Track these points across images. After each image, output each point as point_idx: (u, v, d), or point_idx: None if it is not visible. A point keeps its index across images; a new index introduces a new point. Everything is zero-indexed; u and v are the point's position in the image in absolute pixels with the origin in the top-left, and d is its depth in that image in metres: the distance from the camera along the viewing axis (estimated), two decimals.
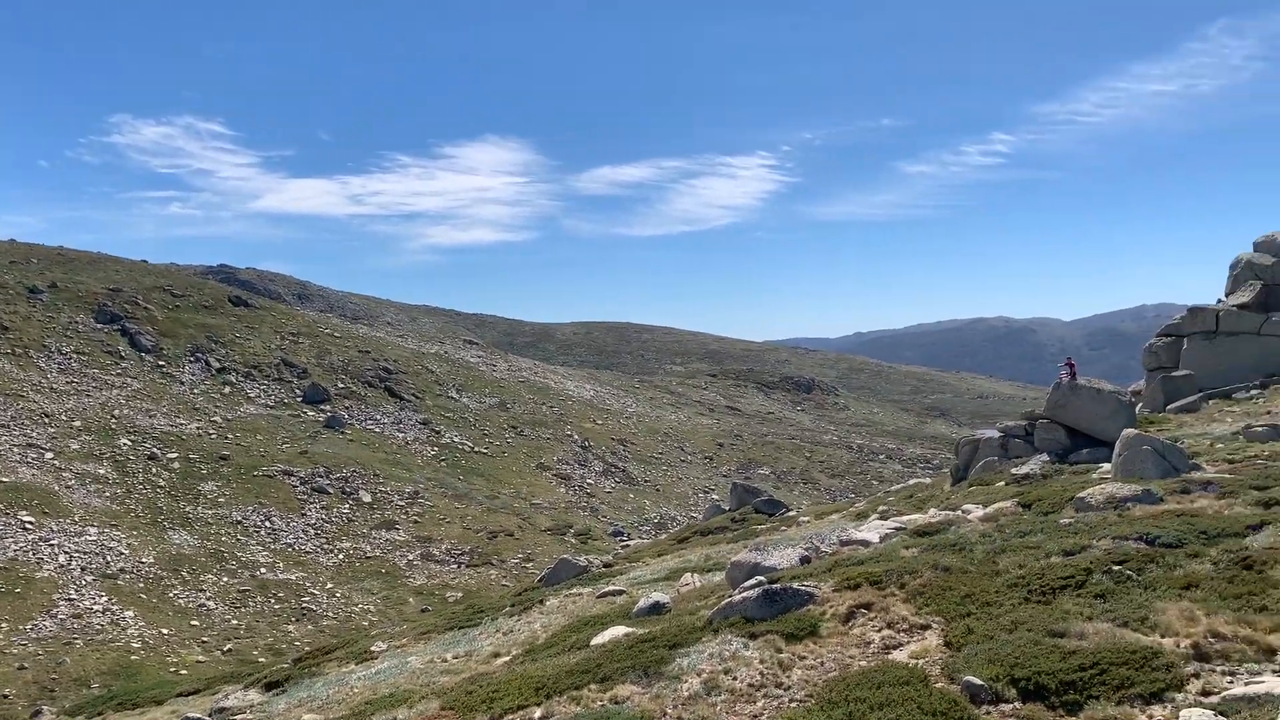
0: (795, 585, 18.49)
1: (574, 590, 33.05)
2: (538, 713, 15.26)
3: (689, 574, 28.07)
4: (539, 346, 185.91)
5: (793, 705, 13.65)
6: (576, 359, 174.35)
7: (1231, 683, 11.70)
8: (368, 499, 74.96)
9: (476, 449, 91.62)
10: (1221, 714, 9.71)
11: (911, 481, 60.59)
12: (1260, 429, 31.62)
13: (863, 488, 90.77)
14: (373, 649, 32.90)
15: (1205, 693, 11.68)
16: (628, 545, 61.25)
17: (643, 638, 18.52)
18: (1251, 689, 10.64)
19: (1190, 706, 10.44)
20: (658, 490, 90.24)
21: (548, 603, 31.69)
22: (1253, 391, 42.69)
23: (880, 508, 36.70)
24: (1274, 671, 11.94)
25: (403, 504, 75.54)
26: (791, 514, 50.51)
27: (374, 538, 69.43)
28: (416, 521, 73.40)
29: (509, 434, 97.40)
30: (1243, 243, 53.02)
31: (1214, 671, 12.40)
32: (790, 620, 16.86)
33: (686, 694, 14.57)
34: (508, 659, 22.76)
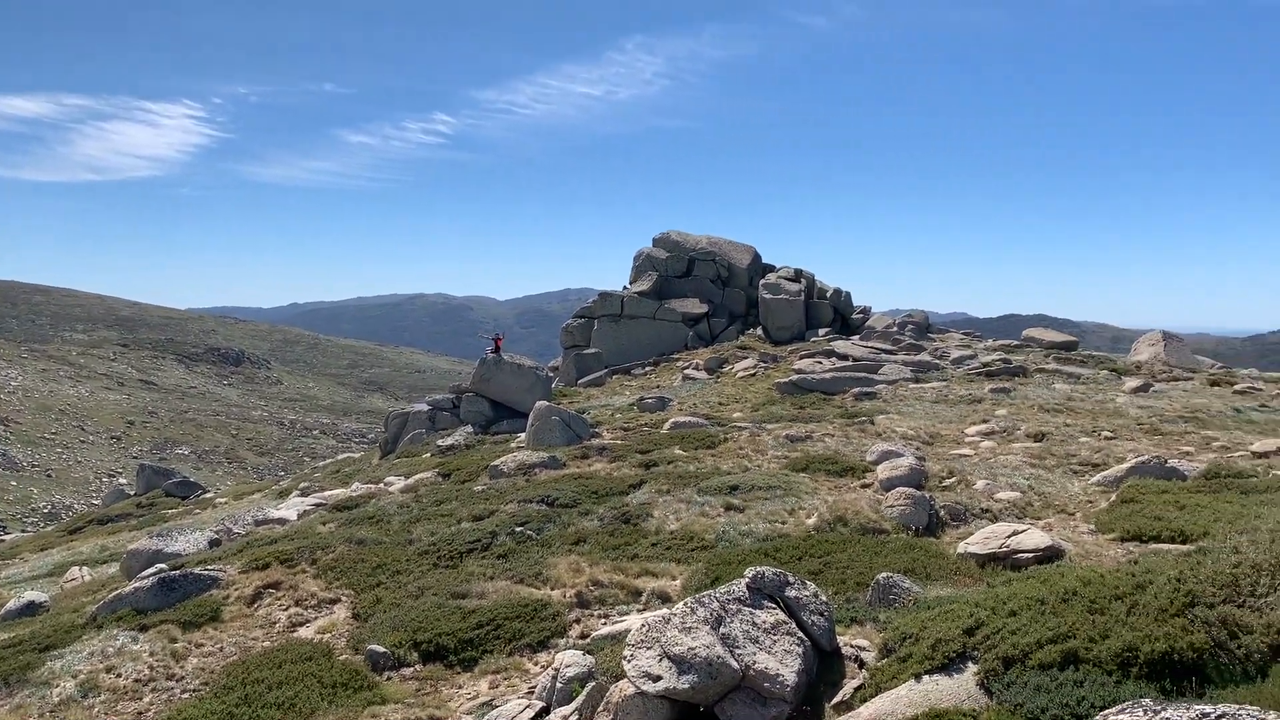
0: (198, 570, 17.23)
1: None
2: None
3: (77, 567, 24.75)
4: None
5: (185, 696, 12.63)
6: None
7: (604, 624, 13.09)
8: None
9: None
10: (589, 652, 10.77)
11: (341, 457, 60.10)
12: (650, 400, 36.23)
13: (294, 465, 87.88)
14: None
15: (583, 635, 12.94)
16: (3, 540, 52.61)
17: (7, 643, 15.87)
18: (616, 628, 11.96)
19: (568, 649, 11.42)
20: (49, 476, 78.73)
21: None
22: (648, 368, 49.01)
23: (303, 484, 35.69)
24: (638, 610, 13.60)
25: None
26: (208, 495, 47.25)
27: None
28: None
29: None
30: (645, 238, 60.83)
31: (592, 616, 13.82)
32: (189, 607, 15.66)
33: (58, 699, 12.78)
34: None
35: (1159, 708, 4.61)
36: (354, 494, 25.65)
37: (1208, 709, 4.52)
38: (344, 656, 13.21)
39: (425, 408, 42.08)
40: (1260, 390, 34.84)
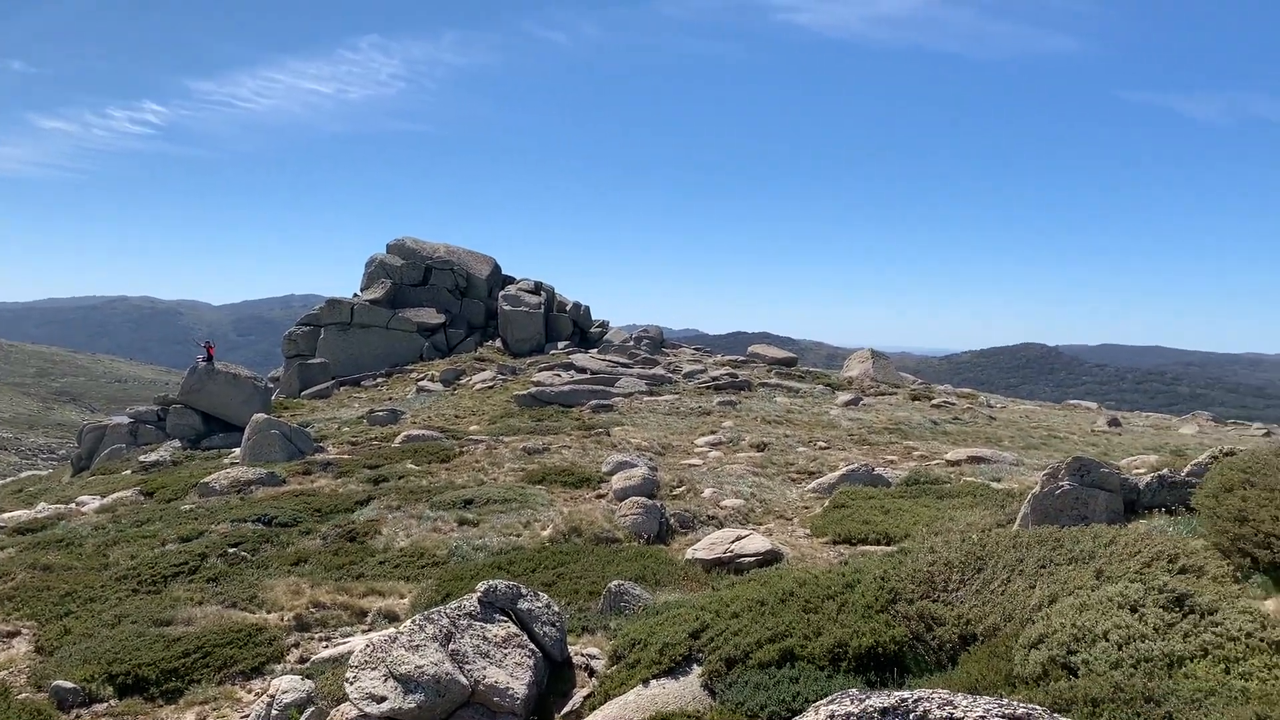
0: None
1: None
2: None
3: None
4: None
5: None
6: None
7: (326, 646, 12.39)
8: None
9: None
10: (308, 676, 10.15)
11: (25, 474, 53.96)
12: (381, 413, 35.01)
13: None
14: None
15: (303, 660, 12.19)
16: None
17: None
18: (339, 650, 11.35)
19: (285, 675, 10.70)
20: None
21: None
22: (379, 379, 47.38)
23: None
24: (363, 631, 12.99)
25: None
26: None
27: None
28: None
29: None
30: (379, 244, 58.92)
31: (313, 639, 13.06)
32: None
33: None
34: None
35: (864, 696, 4.87)
36: (39, 515, 22.97)
37: (906, 694, 4.83)
38: (24, 695, 11.72)
39: (126, 420, 38.57)
40: (954, 404, 38.68)
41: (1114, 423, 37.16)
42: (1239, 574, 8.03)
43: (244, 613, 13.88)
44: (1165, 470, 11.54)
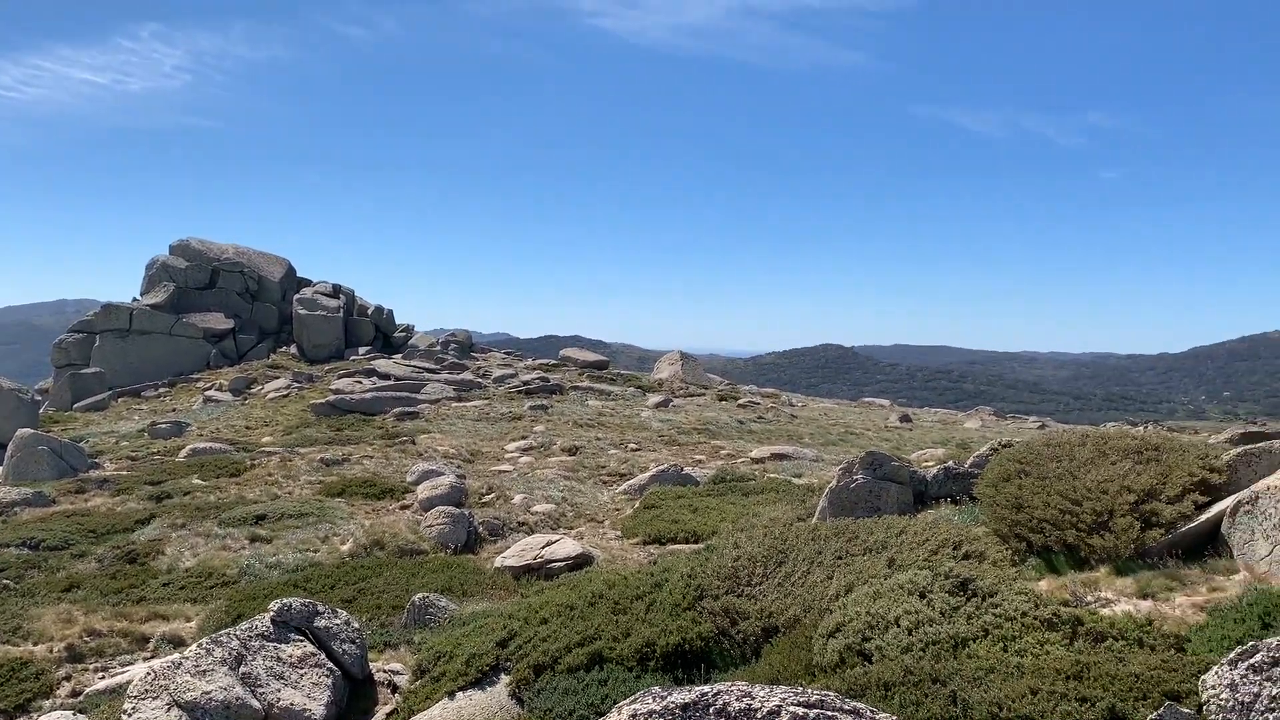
0: None
1: None
2: None
3: None
4: None
5: None
6: None
7: (102, 678, 11.44)
8: None
9: None
10: (81, 711, 9.31)
11: None
12: (164, 425, 32.83)
13: None
14: None
15: (75, 693, 11.22)
16: None
17: None
18: (117, 680, 10.50)
19: (54, 711, 9.77)
20: None
21: None
22: (162, 389, 44.38)
23: None
24: (145, 659, 12.06)
25: None
26: None
27: None
28: None
29: None
30: (162, 245, 55.03)
31: (88, 670, 12.05)
32: None
33: None
34: None
35: (665, 694, 4.86)
36: None
37: (706, 689, 4.86)
38: None
39: None
40: (759, 404, 39.98)
41: (905, 419, 39.38)
42: (1016, 557, 8.58)
43: (6, 646, 12.65)
44: (951, 462, 12.23)
